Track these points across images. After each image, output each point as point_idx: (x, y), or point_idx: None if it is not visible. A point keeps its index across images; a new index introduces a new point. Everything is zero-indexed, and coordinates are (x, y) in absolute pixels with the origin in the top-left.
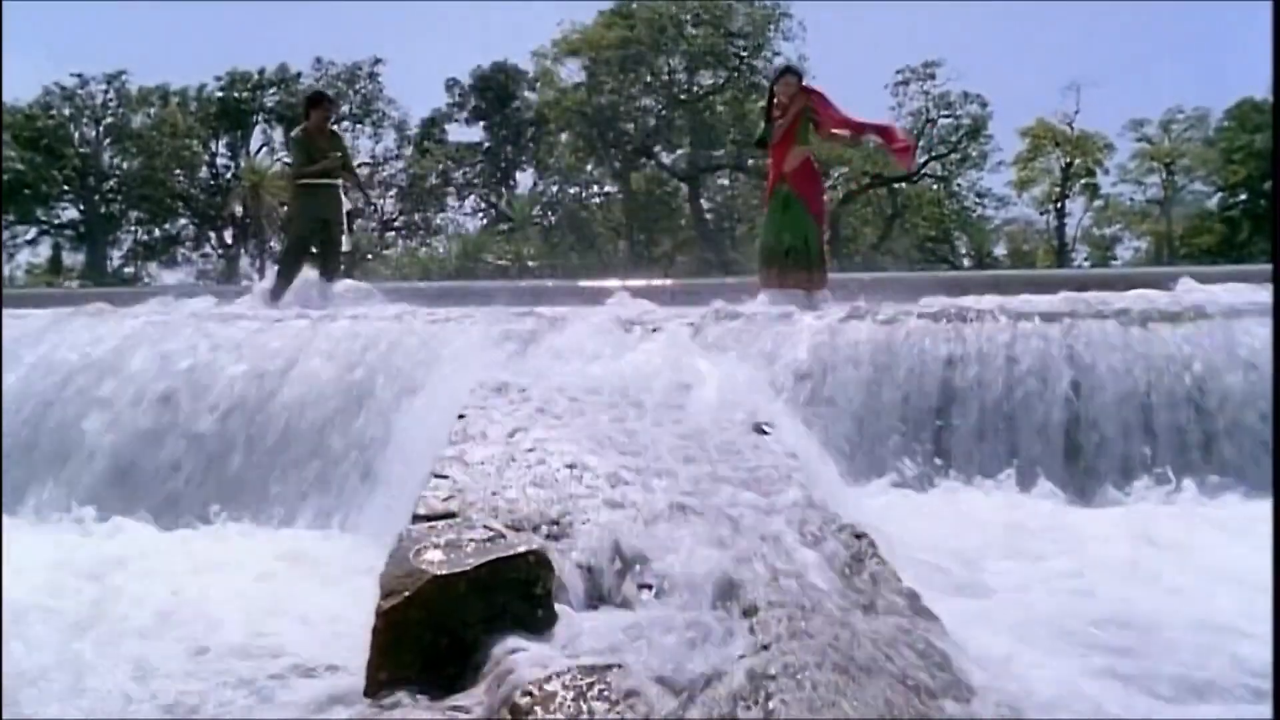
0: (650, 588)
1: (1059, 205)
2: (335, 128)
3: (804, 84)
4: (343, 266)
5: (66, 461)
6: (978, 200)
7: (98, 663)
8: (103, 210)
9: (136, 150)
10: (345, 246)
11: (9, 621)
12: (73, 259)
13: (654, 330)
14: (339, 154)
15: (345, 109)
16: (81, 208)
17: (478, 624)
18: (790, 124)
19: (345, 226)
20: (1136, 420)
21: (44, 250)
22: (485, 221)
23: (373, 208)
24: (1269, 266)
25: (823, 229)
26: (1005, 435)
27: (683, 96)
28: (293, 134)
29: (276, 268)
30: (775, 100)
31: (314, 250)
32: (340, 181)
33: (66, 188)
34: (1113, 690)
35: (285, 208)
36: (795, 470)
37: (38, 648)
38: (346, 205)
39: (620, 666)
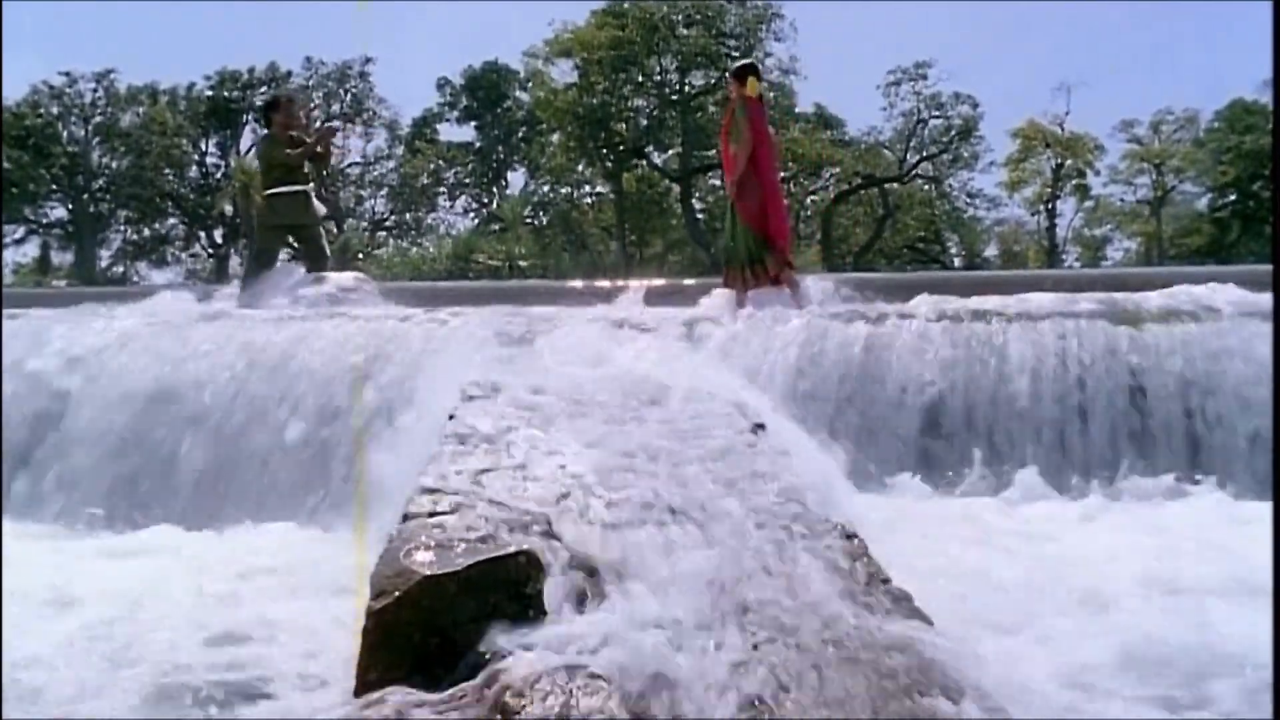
0: (641, 587)
1: (1050, 206)
2: (302, 129)
3: (745, 89)
4: (330, 266)
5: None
6: (969, 201)
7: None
8: (91, 209)
9: (125, 149)
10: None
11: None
12: (61, 258)
13: (645, 331)
14: (298, 151)
15: (335, 108)
16: (70, 207)
17: (468, 624)
18: (725, 124)
19: (327, 227)
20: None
21: (31, 250)
22: (476, 221)
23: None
24: (1259, 267)
25: (759, 231)
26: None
27: (674, 97)
28: (258, 142)
29: (243, 274)
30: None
31: (285, 254)
32: (309, 187)
33: (55, 187)
34: None
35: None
36: (787, 470)
37: None
38: (321, 209)
39: (611, 666)
